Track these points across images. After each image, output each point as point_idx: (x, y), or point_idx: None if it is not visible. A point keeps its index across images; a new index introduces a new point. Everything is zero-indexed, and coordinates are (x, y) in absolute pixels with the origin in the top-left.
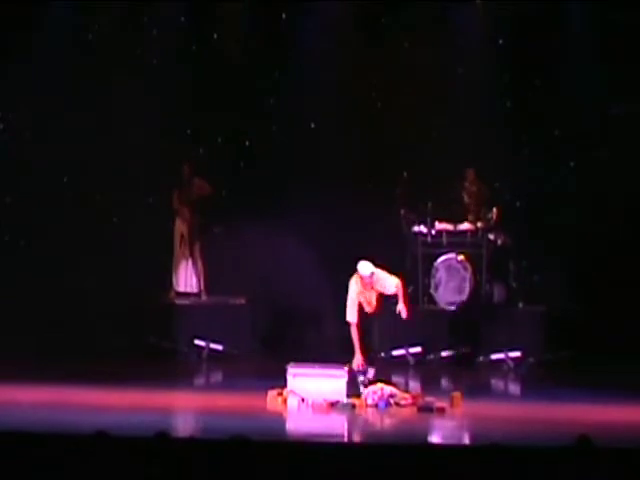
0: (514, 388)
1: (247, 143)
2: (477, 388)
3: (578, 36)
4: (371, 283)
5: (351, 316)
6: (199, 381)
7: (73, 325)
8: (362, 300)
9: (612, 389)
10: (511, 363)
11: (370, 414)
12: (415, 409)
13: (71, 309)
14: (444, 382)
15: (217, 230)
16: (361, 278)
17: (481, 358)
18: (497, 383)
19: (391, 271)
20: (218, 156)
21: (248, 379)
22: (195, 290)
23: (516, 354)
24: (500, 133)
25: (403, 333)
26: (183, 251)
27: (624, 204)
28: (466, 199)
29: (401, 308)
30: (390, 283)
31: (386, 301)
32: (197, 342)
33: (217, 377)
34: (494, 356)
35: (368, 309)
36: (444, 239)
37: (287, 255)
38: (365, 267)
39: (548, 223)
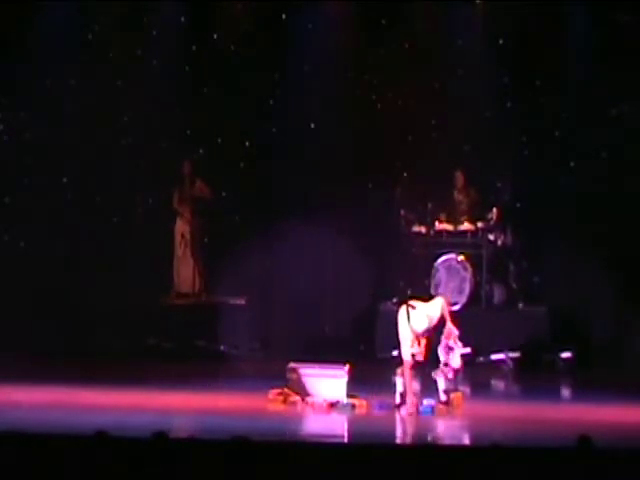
0: (514, 388)
1: (247, 143)
2: (477, 388)
3: (578, 36)
4: (424, 336)
5: (407, 354)
6: (199, 381)
7: (73, 325)
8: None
9: (612, 389)
10: (511, 363)
11: (371, 415)
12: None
13: (71, 309)
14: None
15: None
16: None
17: (481, 358)
18: (497, 383)
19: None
20: (218, 156)
21: (248, 379)
22: (195, 290)
23: (516, 354)
24: (500, 133)
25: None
26: (183, 251)
27: (624, 204)
28: (457, 206)
29: (450, 327)
30: (435, 311)
31: None
32: (197, 342)
33: (217, 377)
34: (494, 356)
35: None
36: (444, 239)
37: (287, 255)
38: (420, 323)
39: (548, 223)
